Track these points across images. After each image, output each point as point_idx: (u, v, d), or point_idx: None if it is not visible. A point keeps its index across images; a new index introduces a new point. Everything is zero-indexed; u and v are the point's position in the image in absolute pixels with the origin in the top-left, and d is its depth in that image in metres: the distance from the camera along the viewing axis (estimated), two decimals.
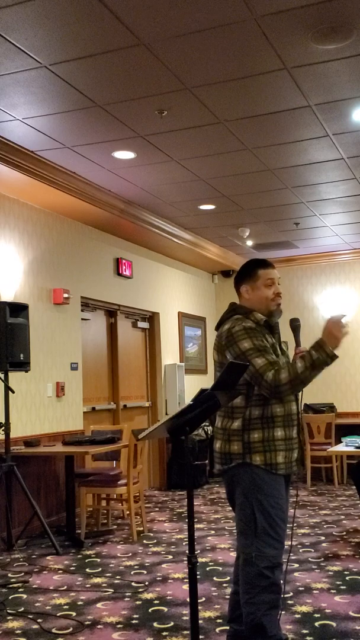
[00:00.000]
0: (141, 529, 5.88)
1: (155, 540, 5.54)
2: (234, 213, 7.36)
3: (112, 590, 4.23)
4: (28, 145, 5.23)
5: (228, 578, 4.32)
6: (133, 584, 4.35)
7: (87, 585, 4.35)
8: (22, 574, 4.65)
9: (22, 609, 3.93)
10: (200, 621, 3.23)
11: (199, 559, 4.53)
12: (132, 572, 4.62)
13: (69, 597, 4.12)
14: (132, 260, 7.99)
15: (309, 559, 4.81)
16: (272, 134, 5.12)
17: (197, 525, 5.88)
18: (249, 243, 8.72)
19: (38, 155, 5.42)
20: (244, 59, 3.94)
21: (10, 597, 4.14)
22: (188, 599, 2.86)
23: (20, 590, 4.30)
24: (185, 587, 4.18)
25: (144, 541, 5.52)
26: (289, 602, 3.84)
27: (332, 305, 9.42)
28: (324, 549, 5.08)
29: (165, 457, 8.36)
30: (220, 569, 4.62)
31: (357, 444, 5.64)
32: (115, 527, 6.16)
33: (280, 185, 6.42)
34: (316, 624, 3.49)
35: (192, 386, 8.88)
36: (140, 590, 4.21)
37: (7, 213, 5.96)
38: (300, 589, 4.10)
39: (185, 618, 3.65)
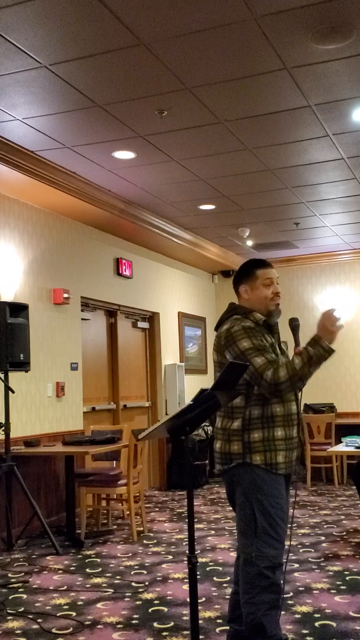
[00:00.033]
0: (141, 529, 5.88)
1: (155, 540, 5.54)
2: (234, 213, 7.36)
3: (112, 590, 4.23)
4: (28, 145, 5.23)
5: (228, 578, 4.32)
6: (133, 584, 4.35)
7: (87, 585, 4.35)
8: (22, 574, 4.65)
9: (22, 609, 3.93)
10: (200, 621, 3.23)
11: (199, 559, 4.53)
12: (132, 572, 4.62)
13: (69, 597, 4.12)
14: (132, 260, 7.99)
15: (309, 559, 4.81)
16: (272, 134, 5.12)
17: (197, 525, 5.88)
18: (249, 243, 8.72)
19: (38, 155, 5.42)
20: (244, 59, 3.94)
21: (10, 597, 4.14)
22: (188, 599, 2.86)
23: (20, 590, 4.30)
24: (185, 587, 4.18)
25: (144, 541, 5.52)
26: (289, 602, 3.84)
27: (332, 306, 9.40)
28: (324, 549, 5.08)
29: (165, 457, 8.37)
30: (220, 569, 4.62)
31: (357, 444, 5.64)
32: (115, 527, 6.16)
33: (280, 185, 6.42)
34: (316, 624, 3.49)
35: (192, 386, 8.88)
36: (140, 590, 4.21)
37: (7, 213, 5.96)
38: (300, 589, 4.10)
39: (185, 618, 3.65)
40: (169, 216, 7.48)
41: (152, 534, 5.77)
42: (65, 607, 3.94)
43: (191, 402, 2.55)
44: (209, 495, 7.75)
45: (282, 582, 2.82)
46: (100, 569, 4.72)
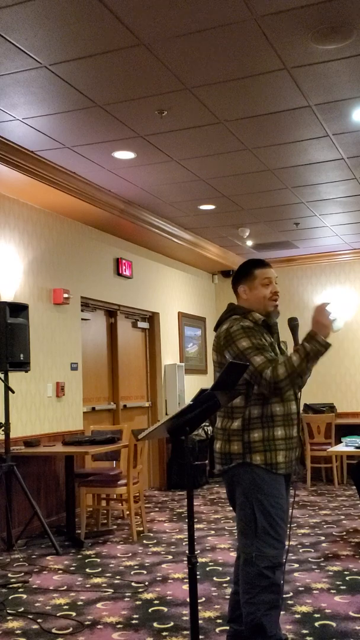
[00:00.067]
0: (141, 529, 5.88)
1: (155, 540, 5.54)
2: (234, 213, 7.36)
3: (112, 590, 4.23)
4: (28, 145, 5.23)
5: (228, 578, 4.32)
6: (133, 584, 4.35)
7: (87, 585, 4.35)
8: (22, 574, 4.65)
9: (22, 609, 3.93)
10: (200, 621, 3.23)
11: (199, 559, 4.53)
12: (132, 572, 4.62)
13: (69, 597, 4.12)
14: (132, 260, 7.99)
15: (309, 559, 4.81)
16: (272, 134, 5.12)
17: (197, 525, 5.88)
18: (249, 243, 8.72)
19: (38, 155, 5.42)
20: (244, 59, 3.94)
21: (10, 597, 4.14)
22: (188, 599, 2.86)
23: (20, 590, 4.30)
24: (185, 587, 4.18)
25: (144, 541, 5.52)
26: (289, 602, 3.84)
27: (332, 306, 9.40)
28: (324, 549, 5.08)
29: (165, 457, 8.36)
30: (220, 569, 4.62)
31: (357, 444, 5.64)
32: (115, 527, 6.16)
33: (280, 185, 6.42)
34: (316, 624, 3.49)
35: (192, 386, 8.88)
36: (140, 590, 4.21)
37: (7, 213, 5.96)
38: (300, 589, 4.10)
39: (185, 618, 3.65)
40: (169, 216, 7.48)
41: (152, 534, 5.77)
42: (65, 607, 3.94)
43: (191, 402, 2.55)
44: (209, 495, 7.75)
45: (282, 582, 2.82)
46: (100, 569, 4.72)
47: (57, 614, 3.81)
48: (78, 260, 6.96)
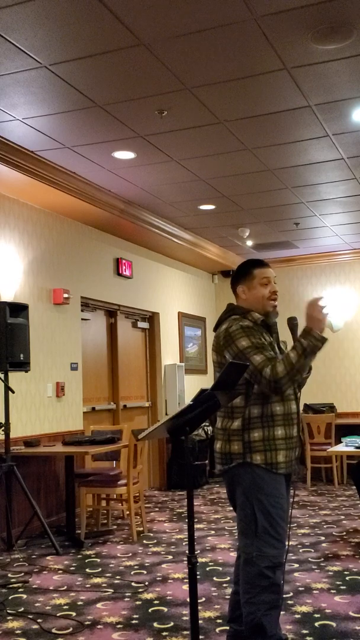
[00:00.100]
0: (141, 529, 5.88)
1: (155, 541, 5.54)
2: (234, 213, 7.36)
3: (112, 590, 4.23)
4: (28, 145, 5.23)
5: (228, 578, 4.32)
6: (133, 584, 4.35)
7: (87, 585, 4.35)
8: (22, 574, 4.65)
9: (22, 609, 3.93)
10: (200, 621, 3.23)
11: (199, 559, 4.53)
12: (132, 572, 4.62)
13: (69, 597, 4.12)
14: (132, 260, 7.99)
15: (309, 559, 4.81)
16: (272, 134, 5.12)
17: (197, 525, 5.88)
18: (249, 243, 8.72)
19: (38, 155, 5.42)
20: (244, 59, 3.94)
21: (10, 597, 4.14)
22: (188, 599, 2.86)
23: (20, 590, 4.30)
24: (185, 587, 4.18)
25: (144, 541, 5.52)
26: (289, 602, 3.84)
27: (332, 305, 9.42)
28: (324, 549, 5.08)
29: (165, 457, 8.36)
30: (220, 569, 4.62)
31: (357, 444, 5.64)
32: (115, 527, 6.16)
33: (280, 185, 6.42)
34: (316, 624, 3.49)
35: (192, 386, 8.88)
36: (140, 590, 4.21)
37: (7, 213, 5.96)
38: (300, 589, 4.10)
39: (185, 618, 3.65)
40: (169, 216, 7.48)
41: (152, 534, 5.77)
42: (65, 607, 3.94)
43: (191, 402, 2.55)
44: (209, 495, 7.75)
45: (282, 582, 2.82)
46: (100, 569, 4.72)
47: (57, 614, 3.81)
48: (78, 260, 6.96)
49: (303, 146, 5.41)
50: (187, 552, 2.62)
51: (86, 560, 4.97)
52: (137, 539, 5.58)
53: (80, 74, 4.08)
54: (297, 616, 3.62)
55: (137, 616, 3.72)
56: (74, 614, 3.81)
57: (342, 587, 4.11)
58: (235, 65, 4.02)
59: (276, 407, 2.84)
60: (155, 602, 3.96)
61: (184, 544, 5.38)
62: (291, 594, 3.99)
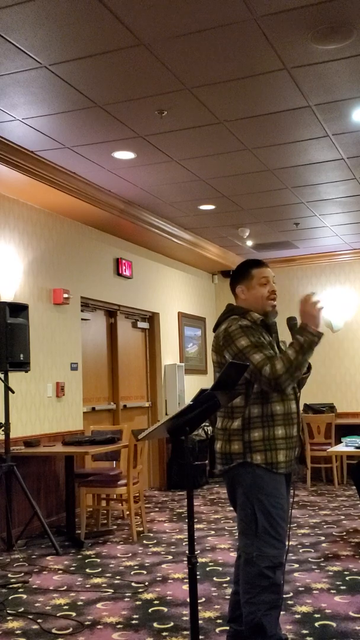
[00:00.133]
0: (141, 529, 5.88)
1: (155, 541, 5.54)
2: (234, 213, 7.36)
3: (112, 590, 4.23)
4: (28, 145, 5.23)
5: (228, 578, 4.32)
6: (133, 584, 4.35)
7: (87, 586, 4.35)
8: (22, 574, 4.65)
9: (22, 609, 3.93)
10: (200, 621, 3.23)
11: (199, 559, 4.53)
12: (132, 572, 4.62)
13: (69, 597, 4.12)
14: (132, 260, 7.99)
15: (309, 559, 4.81)
16: (272, 134, 5.12)
17: (197, 526, 5.88)
18: (249, 243, 8.72)
19: (38, 155, 5.42)
20: (244, 59, 3.94)
21: (10, 597, 4.14)
22: (188, 599, 2.86)
23: (20, 590, 4.30)
24: (185, 587, 4.18)
25: (144, 541, 5.52)
26: (289, 602, 3.84)
27: (332, 305, 9.42)
28: (324, 549, 5.08)
29: (165, 457, 8.36)
30: (220, 569, 4.62)
31: (357, 444, 5.64)
32: (115, 527, 6.16)
33: (280, 185, 6.42)
34: (316, 624, 3.49)
35: (192, 386, 8.88)
36: (140, 590, 4.21)
37: (7, 213, 5.96)
38: (300, 589, 4.10)
39: (185, 618, 3.65)
40: (169, 216, 7.48)
41: (152, 534, 5.77)
42: (65, 607, 3.94)
43: (191, 403, 2.55)
44: (209, 495, 7.75)
45: (282, 582, 2.82)
46: (100, 569, 4.72)
47: (57, 614, 3.81)
48: (78, 260, 6.96)
49: (303, 146, 5.41)
50: (187, 552, 2.62)
51: (86, 561, 4.97)
52: (137, 539, 5.58)
53: (80, 74, 4.08)
54: (297, 616, 3.62)
55: (137, 616, 3.72)
56: (74, 614, 3.81)
57: (342, 587, 4.11)
58: (235, 65, 4.02)
59: (276, 406, 2.84)
60: (155, 602, 3.96)
61: (184, 544, 5.38)
62: (291, 594, 3.99)
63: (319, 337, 2.76)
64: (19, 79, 4.11)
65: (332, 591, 4.04)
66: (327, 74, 4.16)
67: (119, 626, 3.58)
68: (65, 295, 6.50)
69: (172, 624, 3.58)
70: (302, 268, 9.82)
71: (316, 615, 3.62)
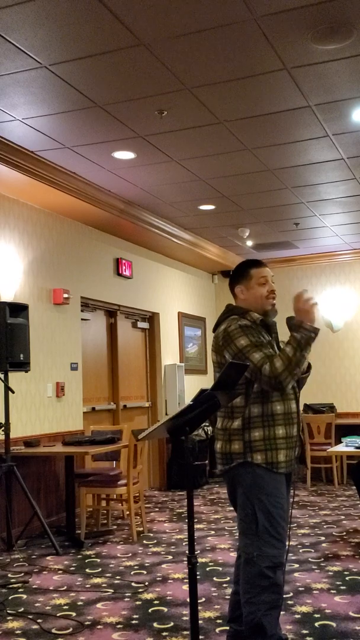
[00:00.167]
0: (141, 529, 5.88)
1: (155, 541, 5.54)
2: (234, 213, 7.36)
3: (112, 590, 4.23)
4: (28, 145, 5.23)
5: (228, 578, 4.32)
6: (133, 584, 4.35)
7: (87, 586, 4.35)
8: (22, 574, 4.65)
9: (22, 609, 3.93)
10: (200, 621, 3.23)
11: (199, 559, 4.53)
12: (132, 573, 4.62)
13: (68, 597, 4.12)
14: (132, 260, 7.99)
15: (309, 559, 4.81)
16: (272, 134, 5.12)
17: (197, 526, 5.88)
18: (249, 243, 8.72)
19: (38, 155, 5.42)
20: (244, 59, 3.94)
21: (10, 597, 4.14)
22: (188, 599, 2.86)
23: (20, 590, 4.30)
24: (185, 587, 4.18)
25: (144, 541, 5.52)
26: (289, 602, 3.84)
27: (332, 305, 9.42)
28: (324, 549, 5.08)
29: (165, 457, 8.36)
30: (220, 569, 4.62)
31: (357, 444, 5.64)
32: (115, 527, 6.16)
33: (280, 185, 6.42)
34: (316, 624, 3.49)
35: (192, 386, 8.88)
36: (140, 590, 4.21)
37: (7, 213, 5.96)
38: (300, 589, 4.10)
39: (185, 618, 3.65)
40: (169, 216, 7.48)
41: (152, 534, 5.77)
42: (65, 607, 3.94)
43: (191, 403, 2.55)
44: (209, 495, 7.75)
45: (282, 582, 2.82)
46: (100, 569, 4.72)
47: (57, 614, 3.81)
48: (78, 260, 6.96)
49: (303, 146, 5.41)
50: (187, 552, 2.62)
51: (86, 561, 4.97)
52: (137, 539, 5.58)
53: (80, 74, 4.08)
54: (297, 616, 3.62)
55: (137, 616, 3.72)
56: (74, 614, 3.81)
57: (342, 587, 4.11)
58: (235, 65, 4.02)
59: (276, 406, 2.84)
60: (155, 602, 3.96)
61: (184, 544, 5.38)
62: (291, 594, 3.99)
63: (316, 333, 2.77)
64: (19, 79, 4.11)
65: (332, 591, 4.04)
66: (327, 74, 4.16)
67: (119, 626, 3.58)
68: (65, 295, 6.50)
69: (172, 624, 3.58)
70: (302, 268, 9.82)
71: (316, 615, 3.62)
